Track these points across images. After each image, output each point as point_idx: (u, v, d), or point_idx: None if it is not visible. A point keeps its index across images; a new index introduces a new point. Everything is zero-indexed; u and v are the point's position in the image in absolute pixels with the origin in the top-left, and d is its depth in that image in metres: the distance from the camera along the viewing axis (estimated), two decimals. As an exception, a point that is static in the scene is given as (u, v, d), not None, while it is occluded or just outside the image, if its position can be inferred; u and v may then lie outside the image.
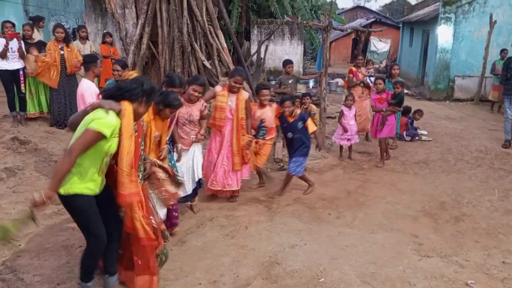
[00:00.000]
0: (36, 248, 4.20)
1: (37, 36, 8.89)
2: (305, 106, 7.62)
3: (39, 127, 8.11)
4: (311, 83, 15.26)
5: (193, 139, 4.95)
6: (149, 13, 8.78)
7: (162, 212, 4.16)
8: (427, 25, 16.48)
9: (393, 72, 8.53)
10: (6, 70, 7.76)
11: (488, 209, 5.64)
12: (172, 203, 4.10)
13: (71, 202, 3.06)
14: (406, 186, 6.47)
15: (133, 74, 3.42)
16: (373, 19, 28.99)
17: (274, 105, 5.92)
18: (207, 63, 9.08)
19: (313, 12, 18.64)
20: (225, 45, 9.51)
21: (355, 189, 6.26)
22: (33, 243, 4.31)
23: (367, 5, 45.66)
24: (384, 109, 7.37)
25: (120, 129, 3.02)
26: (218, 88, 5.53)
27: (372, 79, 8.44)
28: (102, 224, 3.18)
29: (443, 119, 11.69)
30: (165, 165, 3.88)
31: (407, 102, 10.71)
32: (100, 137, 2.93)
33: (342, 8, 41.46)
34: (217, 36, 9.32)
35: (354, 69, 8.76)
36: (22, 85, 7.96)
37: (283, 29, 16.44)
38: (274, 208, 5.46)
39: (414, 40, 19.02)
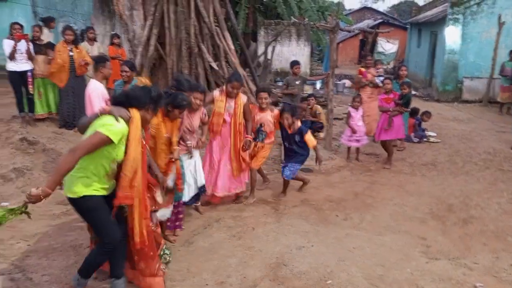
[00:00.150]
0: (45, 248, 4.23)
1: (49, 36, 8.96)
2: (310, 106, 7.62)
3: (48, 128, 8.18)
4: (318, 84, 15.24)
5: (192, 146, 4.78)
6: (156, 14, 8.83)
7: (166, 212, 4.17)
8: (435, 26, 16.38)
9: (401, 73, 8.42)
10: (15, 72, 7.85)
11: (496, 212, 5.60)
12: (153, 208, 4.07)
13: (80, 204, 3.10)
14: (414, 188, 6.44)
15: (145, 81, 3.44)
16: (380, 20, 28.81)
17: (276, 111, 5.76)
18: (214, 65, 9.10)
19: (320, 13, 18.56)
20: (232, 46, 9.54)
21: (363, 191, 6.24)
22: (41, 243, 4.34)
23: (375, 6, 45.39)
24: (391, 109, 7.33)
25: (127, 136, 3.06)
26: (216, 92, 5.39)
27: (381, 79, 8.40)
28: (115, 223, 3.20)
29: (451, 120, 11.60)
30: (160, 174, 3.86)
31: (415, 103, 10.70)
32: (107, 142, 2.95)
33: (350, 9, 41.23)
34: (224, 38, 9.35)
35: (363, 69, 8.72)
36: (30, 86, 8.04)
37: (290, 30, 16.45)
38: (281, 209, 5.45)
39: (422, 41, 18.90)
